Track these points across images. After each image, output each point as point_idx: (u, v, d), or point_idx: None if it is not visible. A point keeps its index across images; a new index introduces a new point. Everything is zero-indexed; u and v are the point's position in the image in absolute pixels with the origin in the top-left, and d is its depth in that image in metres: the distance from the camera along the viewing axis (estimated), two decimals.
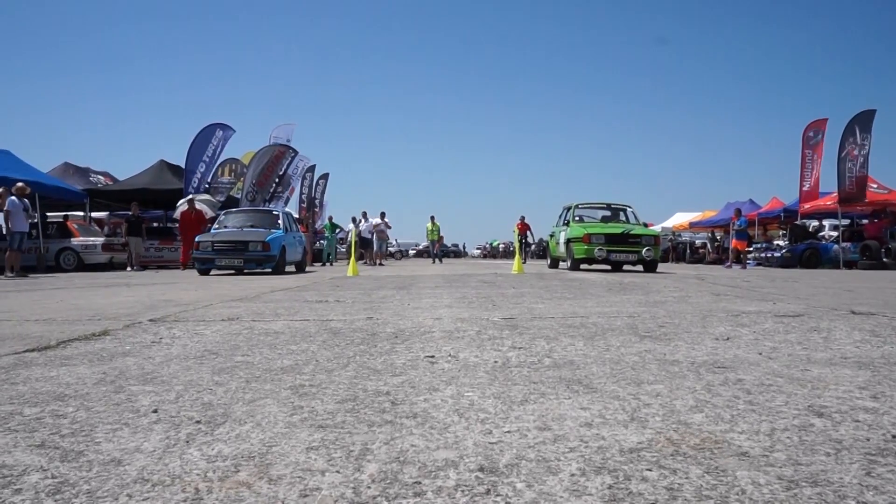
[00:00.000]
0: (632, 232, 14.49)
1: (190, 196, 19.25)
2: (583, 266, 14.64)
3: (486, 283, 8.74)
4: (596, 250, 13.85)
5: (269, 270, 13.41)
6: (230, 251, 13.29)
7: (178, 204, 19.18)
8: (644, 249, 13.95)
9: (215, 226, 15.09)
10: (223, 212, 16.23)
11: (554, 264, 17.30)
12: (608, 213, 16.46)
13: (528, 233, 27.51)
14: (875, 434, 1.56)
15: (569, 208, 16.36)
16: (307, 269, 16.96)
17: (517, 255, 14.82)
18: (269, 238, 13.33)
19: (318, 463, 1.37)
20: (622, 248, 14.15)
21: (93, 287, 8.75)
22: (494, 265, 24.06)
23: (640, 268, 14.69)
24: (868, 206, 21.92)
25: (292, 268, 15.50)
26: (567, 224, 15.59)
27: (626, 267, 14.84)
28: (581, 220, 15.67)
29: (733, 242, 21.96)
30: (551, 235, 17.75)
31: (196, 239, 13.87)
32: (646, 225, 16.51)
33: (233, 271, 13.81)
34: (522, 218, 26.80)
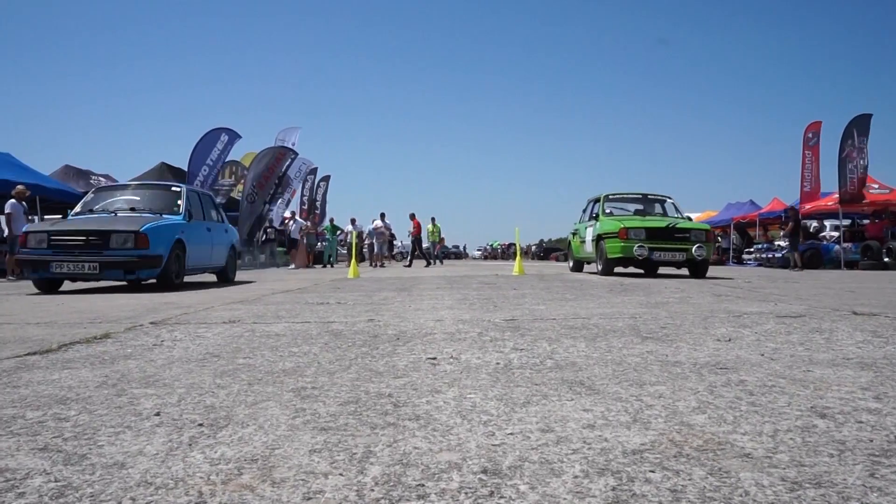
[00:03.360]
0: (678, 225, 11.83)
1: None
2: (617, 269, 12.20)
3: (487, 285, 8.74)
4: (635, 248, 11.24)
5: (154, 280, 8.63)
6: (78, 251, 8.04)
7: None
8: (694, 247, 11.36)
9: (75, 209, 9.79)
10: (93, 190, 10.83)
11: (578, 267, 14.75)
12: (642, 207, 13.78)
13: (430, 233, 25.05)
14: (878, 435, 1.56)
15: (596, 200, 13.72)
16: (307, 266, 15.73)
17: (518, 257, 14.79)
18: (146, 228, 8.18)
19: (322, 465, 1.37)
20: (667, 245, 11.48)
21: (93, 289, 8.75)
22: (495, 266, 24.07)
23: (683, 271, 12.45)
24: (869, 207, 21.92)
25: (211, 278, 11.27)
26: (595, 218, 12.95)
27: (627, 270, 12.70)
28: (611, 214, 13.13)
29: None
30: (573, 233, 14.89)
31: (24, 229, 9.03)
32: (689, 219, 13.64)
33: (92, 283, 9.33)
34: (412, 216, 24.36)
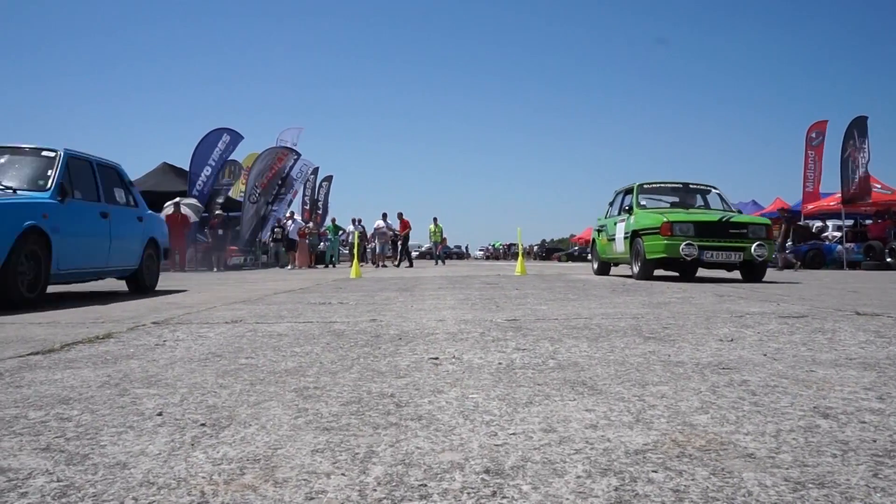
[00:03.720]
0: (732, 219, 9.90)
1: (177, 199, 19.39)
2: (648, 273, 10.16)
3: (489, 285, 8.74)
4: (682, 246, 9.32)
5: None
6: None
7: (165, 206, 19.31)
8: (754, 245, 9.41)
9: None
10: None
11: (603, 269, 12.80)
12: (679, 198, 11.79)
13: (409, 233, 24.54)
14: (882, 435, 1.55)
15: (628, 191, 11.85)
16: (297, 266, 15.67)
17: (520, 257, 14.79)
18: None
19: (324, 465, 1.37)
20: (720, 242, 9.53)
21: (95, 290, 8.75)
22: (497, 266, 24.07)
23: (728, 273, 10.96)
24: (871, 207, 21.90)
25: (122, 284, 8.28)
26: (628, 211, 11.13)
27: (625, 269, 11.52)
28: (646, 207, 11.18)
29: None
30: (598, 230, 13.00)
31: None
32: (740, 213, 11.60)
33: None
34: (400, 215, 24.05)
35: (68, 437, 1.59)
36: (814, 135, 22.65)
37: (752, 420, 1.70)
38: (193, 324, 4.12)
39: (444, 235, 28.78)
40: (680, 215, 10.17)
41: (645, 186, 11.59)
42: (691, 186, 11.89)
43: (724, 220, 9.85)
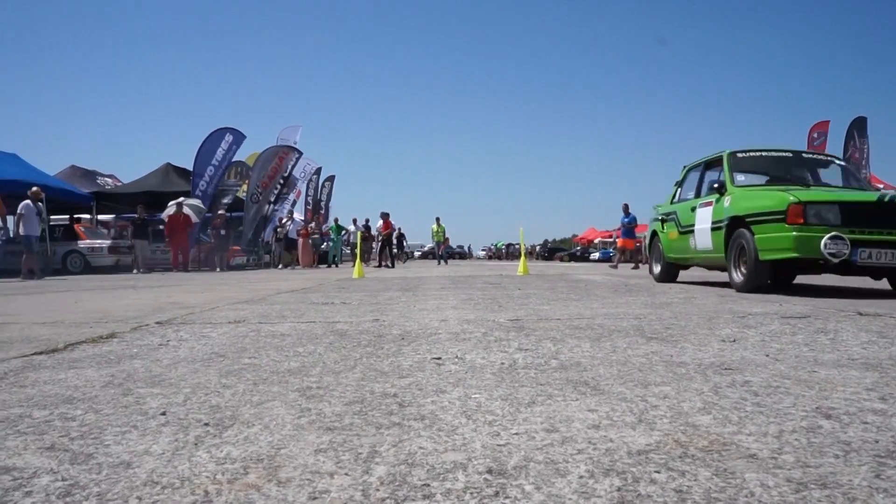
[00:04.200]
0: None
1: (179, 199, 19.45)
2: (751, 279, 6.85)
3: (492, 285, 8.74)
4: (825, 241, 5.98)
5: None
6: None
7: (168, 206, 19.35)
8: None
9: None
10: None
11: (670, 274, 9.49)
12: (783, 174, 8.06)
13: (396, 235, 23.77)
14: (884, 436, 1.56)
15: (710, 163, 8.68)
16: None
17: (523, 257, 14.79)
18: None
19: (327, 465, 1.38)
20: (886, 236, 6.14)
21: (100, 290, 8.78)
22: (500, 266, 24.07)
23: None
24: None
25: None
26: (717, 191, 7.76)
27: (623, 268, 10.96)
28: (742, 185, 7.76)
29: (620, 241, 20.19)
30: (663, 219, 9.56)
31: None
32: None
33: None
34: (383, 215, 22.94)
35: (72, 437, 1.60)
36: (815, 135, 22.70)
37: (754, 421, 1.70)
38: (196, 324, 4.13)
39: (447, 235, 28.81)
40: (817, 193, 6.67)
41: (739, 156, 8.16)
42: (805, 156, 8.63)
43: (887, 200, 6.36)
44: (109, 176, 26.83)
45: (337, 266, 24.50)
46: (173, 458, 1.43)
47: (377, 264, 23.45)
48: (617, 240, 21.89)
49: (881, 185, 21.86)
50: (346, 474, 1.32)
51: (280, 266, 22.74)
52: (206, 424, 1.71)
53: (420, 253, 57.45)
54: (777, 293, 6.69)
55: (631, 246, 19.98)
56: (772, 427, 1.63)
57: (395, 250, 25.95)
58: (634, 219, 19.96)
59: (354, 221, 26.25)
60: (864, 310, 4.71)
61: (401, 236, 29.00)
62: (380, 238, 22.89)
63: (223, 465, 1.39)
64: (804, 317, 4.24)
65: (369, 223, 25.68)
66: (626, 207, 19.57)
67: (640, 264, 19.46)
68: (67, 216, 21.25)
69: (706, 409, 1.82)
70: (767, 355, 2.73)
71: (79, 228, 19.49)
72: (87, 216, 22.33)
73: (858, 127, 21.07)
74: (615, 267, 19.04)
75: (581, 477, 1.29)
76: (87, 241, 18.83)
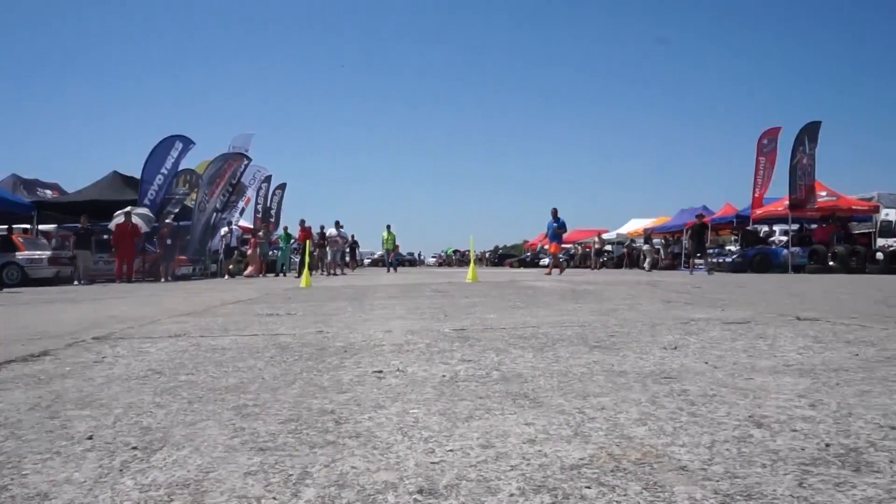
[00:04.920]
0: None
1: (128, 209, 19.02)
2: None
3: (440, 293, 8.73)
4: None
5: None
6: None
7: (115, 215, 18.90)
8: None
9: None
10: None
11: None
12: None
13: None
14: (810, 443, 1.59)
15: None
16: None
17: (472, 264, 14.81)
18: None
19: (255, 489, 1.34)
20: None
21: (36, 303, 8.51)
22: (450, 273, 24.08)
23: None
24: (817, 212, 22.57)
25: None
26: None
27: (572, 273, 10.96)
28: None
29: (552, 247, 20.02)
30: None
31: None
32: None
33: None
34: (302, 222, 23.74)
35: None
36: (766, 141, 23.21)
37: (688, 431, 1.72)
38: (135, 338, 4.02)
39: (398, 243, 28.75)
40: None
41: None
42: None
43: None
44: (51, 185, 26.11)
45: (285, 275, 24.20)
46: (95, 487, 1.38)
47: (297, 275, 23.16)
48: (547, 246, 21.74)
49: (823, 193, 22.56)
50: (274, 498, 1.29)
51: (226, 276, 22.37)
52: (135, 448, 1.66)
53: (370, 261, 57.03)
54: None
55: (558, 250, 19.93)
56: (704, 437, 1.65)
57: (346, 258, 25.72)
58: (564, 224, 19.88)
59: (301, 223, 25.69)
60: (803, 314, 4.83)
61: (354, 244, 28.81)
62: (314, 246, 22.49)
63: (147, 492, 1.34)
64: (745, 322, 4.33)
65: (324, 230, 25.39)
66: (554, 212, 19.60)
67: (563, 270, 19.43)
68: (6, 226, 20.56)
69: (642, 421, 1.83)
70: (707, 363, 2.78)
71: (17, 239, 18.84)
72: (28, 226, 21.65)
73: (810, 132, 21.46)
74: (549, 273, 18.76)
75: (512, 495, 1.28)
76: (26, 252, 18.21)
